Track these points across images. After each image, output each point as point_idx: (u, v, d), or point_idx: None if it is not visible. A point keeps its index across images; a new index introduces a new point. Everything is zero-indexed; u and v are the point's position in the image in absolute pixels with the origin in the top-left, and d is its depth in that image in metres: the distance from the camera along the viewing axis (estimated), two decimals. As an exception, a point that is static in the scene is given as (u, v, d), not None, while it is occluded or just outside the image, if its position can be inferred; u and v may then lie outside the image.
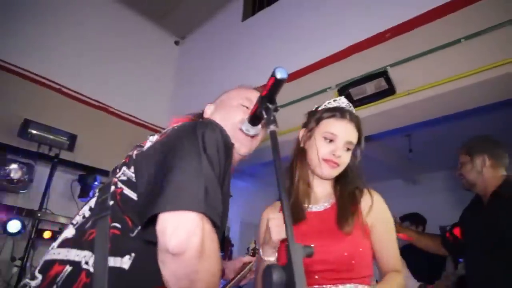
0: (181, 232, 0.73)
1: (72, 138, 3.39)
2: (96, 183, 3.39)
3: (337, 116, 1.26)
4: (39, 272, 0.86)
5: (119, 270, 0.79)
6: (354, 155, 1.32)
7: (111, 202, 0.89)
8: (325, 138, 1.25)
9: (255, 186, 5.70)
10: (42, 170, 3.23)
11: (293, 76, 3.28)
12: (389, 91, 2.60)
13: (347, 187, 1.29)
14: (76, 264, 0.82)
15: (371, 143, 3.92)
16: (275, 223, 1.11)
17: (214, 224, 0.78)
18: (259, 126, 1.04)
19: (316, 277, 1.14)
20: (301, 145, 1.33)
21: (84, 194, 3.38)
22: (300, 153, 1.32)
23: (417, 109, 2.66)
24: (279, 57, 3.50)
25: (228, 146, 0.91)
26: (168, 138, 0.92)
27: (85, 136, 3.57)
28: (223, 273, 1.16)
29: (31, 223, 3.02)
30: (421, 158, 4.65)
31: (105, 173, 3.51)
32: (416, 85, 2.53)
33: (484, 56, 2.31)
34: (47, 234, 3.08)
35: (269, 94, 0.79)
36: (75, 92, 3.68)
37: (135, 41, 4.43)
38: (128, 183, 0.90)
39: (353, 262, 1.14)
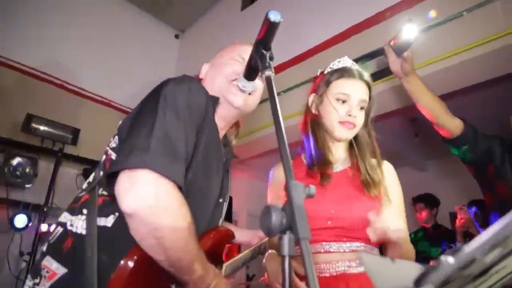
0: (132, 192, 0.75)
1: (75, 132, 3.40)
2: (101, 176, 3.39)
3: (346, 76, 1.23)
4: None
5: (104, 228, 0.85)
6: (367, 115, 1.29)
7: (101, 173, 0.95)
8: (338, 100, 1.21)
9: (260, 178, 5.66)
10: (46, 165, 3.24)
11: (296, 60, 3.26)
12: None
13: (364, 151, 1.26)
14: (64, 225, 0.90)
15: (375, 126, 3.87)
16: None
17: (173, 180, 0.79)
18: (256, 81, 1.01)
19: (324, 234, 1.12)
20: (313, 111, 1.29)
21: (90, 188, 3.38)
22: (313, 119, 1.28)
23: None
24: (280, 43, 3.45)
25: (196, 98, 0.92)
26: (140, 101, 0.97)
27: (88, 130, 3.58)
28: (232, 236, 1.13)
29: (37, 218, 3.03)
30: (428, 143, 4.57)
31: (109, 166, 3.51)
32: (419, 61, 2.48)
33: (488, 28, 2.26)
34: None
35: (264, 39, 0.76)
36: (77, 87, 3.70)
37: (136, 36, 4.43)
38: (115, 148, 0.95)
39: (366, 222, 1.11)
